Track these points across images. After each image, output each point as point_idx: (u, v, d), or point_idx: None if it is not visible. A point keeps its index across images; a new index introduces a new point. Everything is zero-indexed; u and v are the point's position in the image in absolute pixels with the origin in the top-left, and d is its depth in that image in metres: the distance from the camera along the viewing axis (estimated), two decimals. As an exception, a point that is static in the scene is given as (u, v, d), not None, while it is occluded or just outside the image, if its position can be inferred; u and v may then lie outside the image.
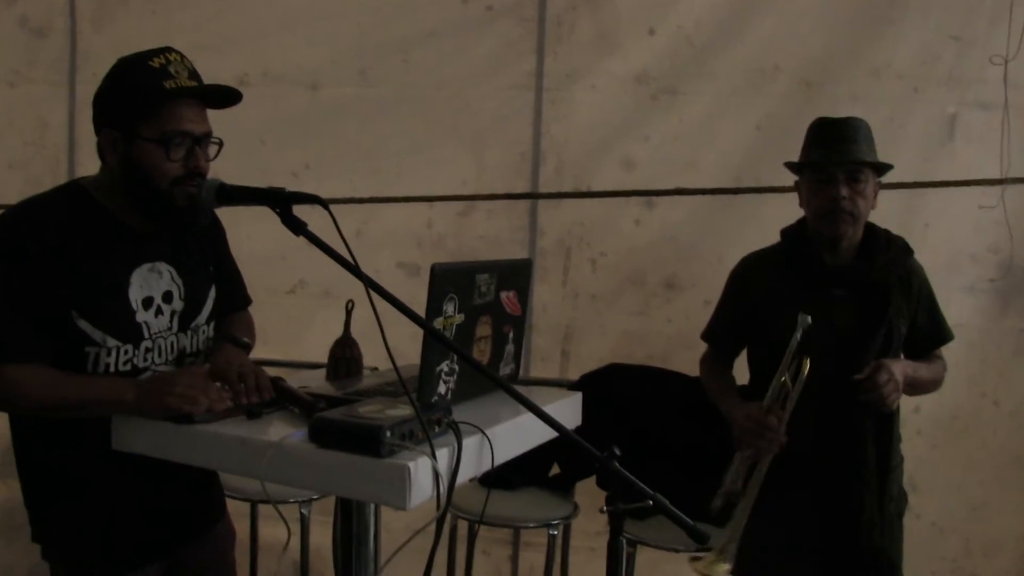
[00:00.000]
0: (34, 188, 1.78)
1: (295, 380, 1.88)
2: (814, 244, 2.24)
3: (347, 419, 1.39)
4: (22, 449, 1.77)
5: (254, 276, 2.38)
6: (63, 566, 1.78)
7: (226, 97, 1.72)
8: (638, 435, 2.81)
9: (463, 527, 2.88)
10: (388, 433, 1.35)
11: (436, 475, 1.36)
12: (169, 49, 1.65)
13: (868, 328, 2.18)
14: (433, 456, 1.37)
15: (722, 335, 2.43)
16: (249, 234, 2.54)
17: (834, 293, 2.20)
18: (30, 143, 3.28)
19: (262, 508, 3.01)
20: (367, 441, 1.34)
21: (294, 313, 3.17)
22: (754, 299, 2.30)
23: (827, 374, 2.11)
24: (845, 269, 2.22)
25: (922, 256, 2.33)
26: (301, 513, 2.92)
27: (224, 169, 2.78)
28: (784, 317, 2.13)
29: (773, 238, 2.36)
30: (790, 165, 2.30)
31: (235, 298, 2.04)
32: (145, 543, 1.79)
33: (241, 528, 3.10)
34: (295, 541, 3.00)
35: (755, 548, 2.11)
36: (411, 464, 1.33)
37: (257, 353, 3.25)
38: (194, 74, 1.68)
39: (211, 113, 1.74)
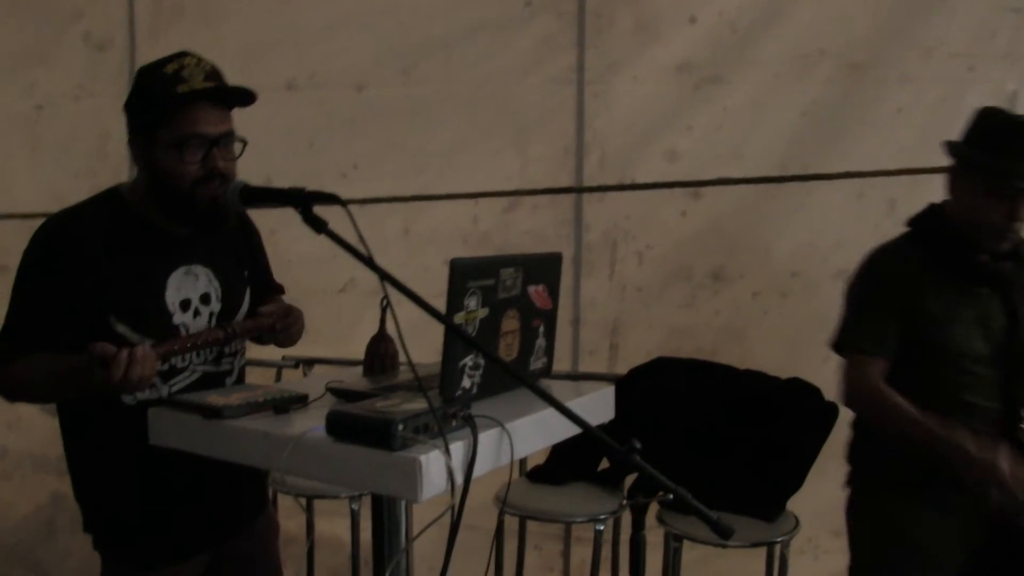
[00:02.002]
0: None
1: (343, 375, 1.93)
2: (957, 239, 2.09)
3: (361, 413, 1.41)
4: (70, 445, 1.84)
5: (305, 276, 2.42)
6: (111, 557, 1.84)
7: (246, 95, 1.73)
8: (687, 429, 2.78)
9: (512, 522, 2.88)
10: (400, 426, 1.35)
11: (448, 468, 1.36)
12: (185, 54, 1.68)
13: (1018, 332, 2.08)
14: (446, 449, 1.37)
15: (889, 340, 2.10)
16: (300, 235, 2.59)
17: (981, 292, 2.09)
18: (94, 153, 3.43)
19: (318, 504, 3.07)
20: (380, 434, 1.35)
21: (345, 312, 3.22)
22: (902, 298, 2.10)
23: (979, 378, 2.04)
24: (998, 269, 2.10)
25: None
26: (351, 509, 2.96)
27: (277, 171, 2.86)
28: (935, 318, 2.04)
29: (821, 226, 2.30)
30: (952, 150, 2.12)
31: (271, 292, 2.09)
32: (187, 536, 1.84)
33: (298, 524, 3.19)
34: (347, 536, 3.06)
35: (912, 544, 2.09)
36: (423, 457, 1.33)
37: (310, 351, 3.35)
38: (212, 75, 1.69)
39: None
